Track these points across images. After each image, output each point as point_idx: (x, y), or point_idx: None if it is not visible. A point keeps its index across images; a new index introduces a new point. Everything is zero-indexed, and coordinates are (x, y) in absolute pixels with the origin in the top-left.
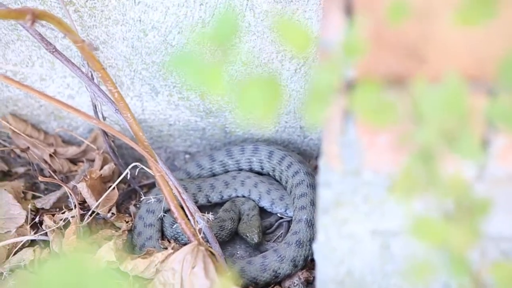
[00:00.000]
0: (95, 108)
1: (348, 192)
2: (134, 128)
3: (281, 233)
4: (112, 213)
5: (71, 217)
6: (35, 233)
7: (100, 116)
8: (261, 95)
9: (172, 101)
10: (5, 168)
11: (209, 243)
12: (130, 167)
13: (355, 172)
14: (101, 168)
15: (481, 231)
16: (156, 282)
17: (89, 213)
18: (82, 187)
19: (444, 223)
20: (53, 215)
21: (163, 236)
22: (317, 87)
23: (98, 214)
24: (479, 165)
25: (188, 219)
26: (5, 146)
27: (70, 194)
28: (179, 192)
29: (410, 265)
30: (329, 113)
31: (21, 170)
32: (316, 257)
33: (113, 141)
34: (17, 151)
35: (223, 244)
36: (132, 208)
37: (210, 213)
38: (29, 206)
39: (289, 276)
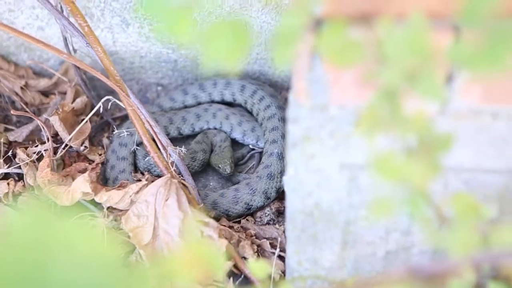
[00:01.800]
0: (65, 40)
1: (316, 127)
2: (105, 62)
3: (253, 164)
4: (85, 146)
5: (44, 150)
6: (8, 167)
7: (71, 48)
8: (227, 42)
9: (143, 33)
10: None
11: (182, 175)
12: (102, 100)
13: (322, 108)
14: (73, 101)
15: (442, 165)
16: (130, 214)
17: (62, 146)
18: (55, 120)
19: (406, 158)
20: (26, 148)
21: (136, 169)
22: (284, 30)
23: (71, 147)
24: (442, 101)
25: (161, 152)
26: None
27: (43, 127)
28: (151, 125)
29: (374, 199)
30: (298, 50)
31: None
32: (285, 190)
33: (84, 73)
34: None
35: (195, 175)
36: (105, 141)
37: (182, 146)
38: (1, 140)
39: (261, 207)
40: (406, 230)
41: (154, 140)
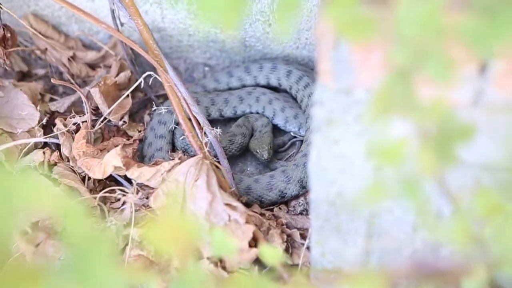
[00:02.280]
0: (113, 13)
1: (340, 110)
2: (144, 35)
3: (294, 152)
4: (124, 121)
5: (83, 122)
6: (46, 136)
7: (118, 22)
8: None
9: (192, 10)
10: (25, 68)
11: (217, 157)
12: (144, 75)
13: (348, 90)
14: (117, 75)
15: (458, 156)
16: (159, 191)
17: (101, 119)
18: (95, 92)
19: (420, 145)
20: (65, 118)
21: (173, 148)
22: None
23: (110, 121)
24: (476, 90)
25: (196, 132)
26: (25, 46)
27: (84, 99)
28: (187, 104)
29: (372, 183)
30: (323, 29)
31: (41, 72)
32: (309, 176)
33: (131, 49)
34: (38, 52)
35: (233, 159)
36: (146, 118)
37: (219, 128)
38: (43, 109)
39: (296, 196)
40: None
41: (190, 119)
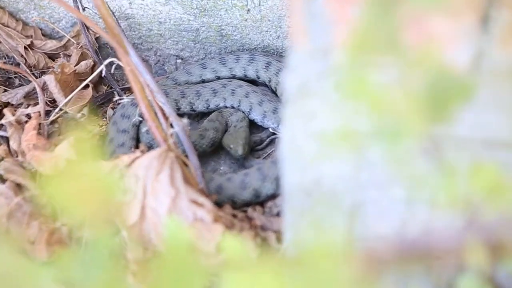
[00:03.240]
0: None
1: (316, 77)
2: (102, 11)
3: (272, 151)
4: (83, 114)
5: (34, 112)
6: None
7: (79, 6)
8: None
9: None
10: None
11: (185, 153)
12: (106, 61)
13: (324, 52)
14: (78, 63)
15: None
16: (117, 189)
17: (56, 110)
18: (50, 80)
19: (404, 98)
20: (16, 109)
21: (138, 145)
22: None
23: (67, 113)
24: (476, 51)
25: (160, 122)
26: None
27: (37, 87)
28: (151, 91)
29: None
30: None
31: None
32: (282, 160)
33: (97, 37)
34: None
35: (205, 157)
36: (110, 112)
37: (186, 118)
38: None
39: (272, 196)
40: (427, 221)
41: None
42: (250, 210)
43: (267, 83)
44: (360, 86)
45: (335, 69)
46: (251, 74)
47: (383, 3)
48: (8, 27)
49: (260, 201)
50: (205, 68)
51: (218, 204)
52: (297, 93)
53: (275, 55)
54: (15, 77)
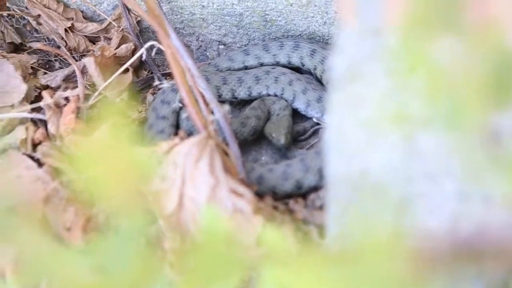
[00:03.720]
0: None
1: (366, 60)
2: None
3: (316, 142)
4: (122, 99)
5: (73, 96)
6: (27, 110)
7: None
8: None
9: None
10: (18, 40)
11: (226, 141)
12: (147, 45)
13: (375, 32)
14: (118, 47)
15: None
16: (154, 176)
17: (95, 94)
18: (90, 63)
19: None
20: (55, 92)
21: (178, 132)
22: None
23: (106, 97)
24: None
25: (201, 109)
26: (16, 12)
27: (77, 70)
28: (192, 76)
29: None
30: None
31: (36, 45)
32: (326, 149)
33: (138, 21)
34: (34, 23)
35: (247, 146)
36: (149, 98)
37: (228, 105)
38: (34, 84)
39: (315, 188)
40: (482, 219)
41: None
42: (291, 202)
43: (312, 71)
44: (416, 68)
45: (386, 51)
46: (296, 61)
47: None
48: (49, 9)
49: (302, 193)
50: (248, 55)
51: (259, 195)
52: (345, 77)
53: (321, 42)
54: (55, 60)
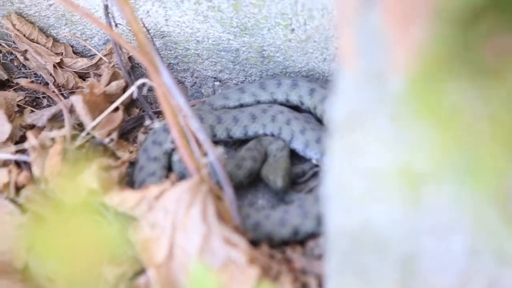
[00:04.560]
0: (106, 9)
1: (368, 106)
2: (134, 26)
3: (316, 185)
4: (111, 139)
5: (59, 136)
6: (21, 154)
7: (112, 21)
8: None
9: (200, 11)
10: (4, 76)
11: (220, 185)
12: (138, 83)
13: (379, 77)
14: (108, 84)
15: None
16: (143, 223)
17: (83, 134)
18: (77, 101)
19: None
20: (40, 132)
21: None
22: None
23: (94, 138)
24: None
25: (193, 150)
26: (3, 47)
27: (63, 109)
28: (184, 116)
29: None
30: None
31: (23, 82)
32: (325, 199)
33: (130, 57)
34: (21, 59)
35: (242, 189)
36: (141, 138)
37: (222, 146)
38: (20, 123)
39: (312, 236)
40: (494, 278)
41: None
42: (289, 251)
43: (312, 111)
44: (425, 116)
45: (390, 97)
46: (294, 99)
47: (457, 21)
48: (38, 43)
49: (299, 240)
50: (244, 93)
51: (254, 242)
52: (345, 124)
53: (321, 79)
54: (43, 97)
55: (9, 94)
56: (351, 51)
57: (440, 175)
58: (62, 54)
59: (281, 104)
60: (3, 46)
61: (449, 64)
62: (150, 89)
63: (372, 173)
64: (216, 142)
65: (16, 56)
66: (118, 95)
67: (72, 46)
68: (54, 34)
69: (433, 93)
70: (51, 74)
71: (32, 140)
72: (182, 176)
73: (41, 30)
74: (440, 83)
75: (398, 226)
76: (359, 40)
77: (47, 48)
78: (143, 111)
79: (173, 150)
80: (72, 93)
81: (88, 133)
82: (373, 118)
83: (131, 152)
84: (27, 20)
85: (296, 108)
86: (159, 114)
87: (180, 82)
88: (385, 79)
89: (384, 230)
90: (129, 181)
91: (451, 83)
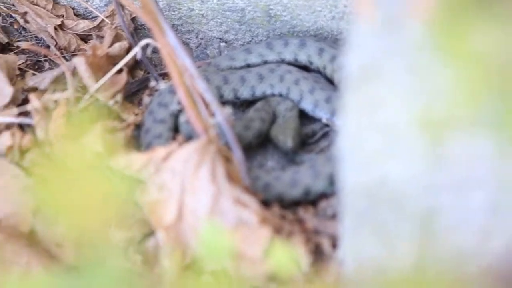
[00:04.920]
0: None
1: (385, 55)
2: None
3: (327, 145)
4: (116, 101)
5: (62, 98)
6: (24, 117)
7: None
8: None
9: None
10: (4, 39)
11: (228, 145)
12: (141, 43)
13: (395, 23)
14: (111, 45)
15: None
16: (151, 185)
17: (87, 96)
18: (80, 63)
19: None
20: (43, 94)
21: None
22: None
23: (99, 100)
24: None
25: (200, 111)
26: (2, 10)
27: (66, 72)
28: (191, 76)
29: None
30: None
31: (23, 45)
32: (339, 155)
33: (133, 18)
34: (22, 21)
35: (251, 151)
36: (146, 100)
37: (230, 107)
38: (22, 86)
39: (325, 196)
40: None
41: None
42: (301, 211)
43: (321, 70)
44: (453, 62)
45: (408, 45)
46: (303, 59)
47: None
48: (38, 5)
49: (310, 200)
50: (251, 53)
51: (264, 203)
52: (360, 76)
53: (329, 38)
54: (45, 60)
55: (10, 57)
56: (365, 1)
57: (464, 126)
58: (63, 16)
59: (289, 64)
60: (2, 9)
61: (473, 6)
62: (154, 51)
63: (389, 127)
64: (223, 103)
65: (16, 19)
66: (121, 57)
67: (73, 8)
68: None
69: (456, 38)
70: (52, 37)
71: (35, 102)
72: (189, 138)
73: None
74: (464, 27)
75: (416, 182)
76: None
77: (47, 10)
78: (148, 73)
79: (179, 111)
80: (74, 55)
81: (91, 96)
82: (390, 69)
83: (136, 114)
84: None
85: (304, 68)
86: (164, 76)
87: (185, 44)
88: (402, 26)
89: (402, 186)
90: (136, 144)
91: (476, 26)
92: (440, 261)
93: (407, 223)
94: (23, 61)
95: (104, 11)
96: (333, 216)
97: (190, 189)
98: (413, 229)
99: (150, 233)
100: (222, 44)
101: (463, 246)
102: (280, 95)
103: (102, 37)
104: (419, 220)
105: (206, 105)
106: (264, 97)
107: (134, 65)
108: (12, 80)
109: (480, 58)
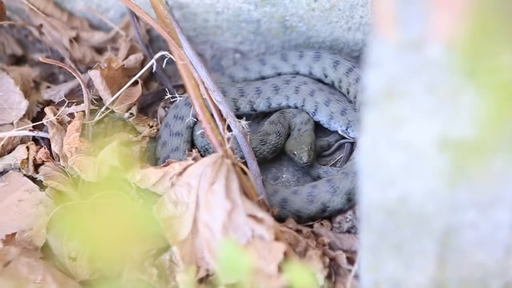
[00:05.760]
0: None
1: (406, 75)
2: None
3: (341, 157)
4: (131, 114)
5: (77, 112)
6: (27, 128)
7: None
8: None
9: None
10: (19, 52)
11: (244, 159)
12: (157, 55)
13: (417, 44)
14: (126, 57)
15: None
16: (166, 199)
17: (102, 109)
18: (95, 76)
19: None
20: (58, 108)
21: (193, 148)
22: None
23: (113, 112)
24: None
25: (217, 125)
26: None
27: (82, 84)
28: (206, 89)
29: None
30: None
31: (38, 57)
32: (359, 174)
33: (148, 30)
34: (36, 33)
35: (266, 163)
36: (161, 112)
37: (245, 120)
38: (36, 99)
39: (340, 211)
40: None
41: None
42: (316, 225)
43: (336, 84)
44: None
45: (431, 66)
46: (317, 72)
47: None
48: (53, 17)
49: (326, 215)
50: (265, 64)
51: (279, 218)
52: (382, 94)
53: (345, 49)
54: (59, 72)
55: (25, 70)
56: (388, 17)
57: (488, 146)
58: (78, 28)
59: (305, 76)
60: (17, 21)
61: (497, 27)
62: (169, 62)
63: (410, 145)
64: (239, 116)
65: (30, 31)
66: (136, 69)
67: (87, 20)
68: (69, 8)
69: (481, 59)
70: (67, 49)
71: (50, 116)
72: (205, 150)
73: (56, 3)
74: (489, 48)
75: (438, 200)
76: (397, 5)
77: (62, 22)
78: (162, 85)
79: (195, 123)
80: (89, 68)
81: (107, 108)
82: (411, 88)
83: (151, 126)
84: None
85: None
86: (179, 87)
87: (199, 55)
88: (423, 45)
89: (423, 205)
90: (150, 156)
91: (500, 47)
92: (461, 278)
93: (427, 240)
94: (38, 74)
95: (119, 22)
96: (349, 231)
97: (205, 205)
98: (433, 246)
99: (166, 247)
100: (237, 55)
101: (485, 263)
102: (296, 107)
103: (117, 49)
104: (439, 237)
105: (222, 118)
106: (279, 109)
107: (149, 77)
108: (26, 93)
109: (503, 79)
